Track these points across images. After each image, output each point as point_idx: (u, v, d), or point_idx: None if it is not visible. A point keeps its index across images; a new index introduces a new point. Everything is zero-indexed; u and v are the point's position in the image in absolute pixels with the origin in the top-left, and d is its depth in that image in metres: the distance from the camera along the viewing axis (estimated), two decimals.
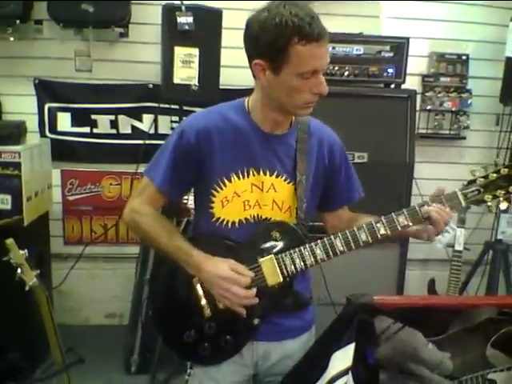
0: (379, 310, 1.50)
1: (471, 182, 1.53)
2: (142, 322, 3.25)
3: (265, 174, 1.61)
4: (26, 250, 2.06)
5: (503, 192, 1.51)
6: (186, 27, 3.02)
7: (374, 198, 3.17)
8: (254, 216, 1.62)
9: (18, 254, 2.03)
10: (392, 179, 3.35)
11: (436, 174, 3.84)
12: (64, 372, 2.23)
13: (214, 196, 1.61)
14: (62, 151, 3.64)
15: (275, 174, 1.62)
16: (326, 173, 1.70)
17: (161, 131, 3.70)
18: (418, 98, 3.65)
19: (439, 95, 3.79)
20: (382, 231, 1.55)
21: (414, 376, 1.54)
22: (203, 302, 1.60)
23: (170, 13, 3.05)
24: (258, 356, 1.66)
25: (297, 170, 1.62)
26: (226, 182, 1.59)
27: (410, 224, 1.55)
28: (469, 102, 3.81)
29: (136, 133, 3.72)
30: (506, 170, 1.50)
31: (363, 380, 1.44)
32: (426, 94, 3.79)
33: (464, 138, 3.90)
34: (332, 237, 1.56)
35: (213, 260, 1.57)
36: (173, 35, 3.07)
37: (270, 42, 1.42)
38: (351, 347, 1.42)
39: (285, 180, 1.63)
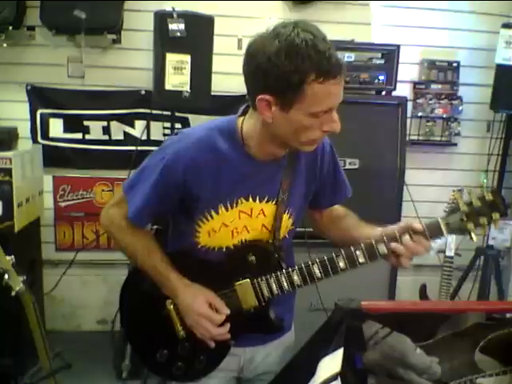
0: (367, 315, 1.51)
1: (454, 210, 1.44)
2: None
3: (254, 200, 1.53)
4: (12, 256, 2.05)
5: (486, 220, 1.41)
6: (178, 34, 3.02)
7: (365, 203, 3.21)
8: (241, 241, 1.57)
9: (5, 260, 2.02)
10: (383, 185, 3.36)
11: (427, 180, 3.87)
12: (51, 377, 2.22)
13: (200, 226, 1.53)
14: (53, 157, 3.64)
15: (265, 199, 1.54)
16: (316, 178, 1.65)
17: (153, 137, 3.71)
18: (409, 104, 3.67)
19: (430, 102, 3.81)
20: (362, 260, 1.47)
21: (403, 381, 1.55)
22: (177, 323, 1.57)
23: (161, 19, 3.05)
24: (244, 360, 1.67)
25: (280, 189, 1.54)
26: (214, 214, 1.51)
27: (386, 253, 1.46)
28: (460, 108, 3.83)
29: (128, 139, 3.71)
30: (491, 196, 1.41)
31: None
32: (417, 100, 3.81)
33: (455, 144, 3.92)
34: (309, 263, 1.49)
35: (191, 289, 1.53)
36: (164, 42, 3.07)
37: (282, 78, 1.26)
38: (340, 352, 1.42)
39: (274, 204, 1.55)
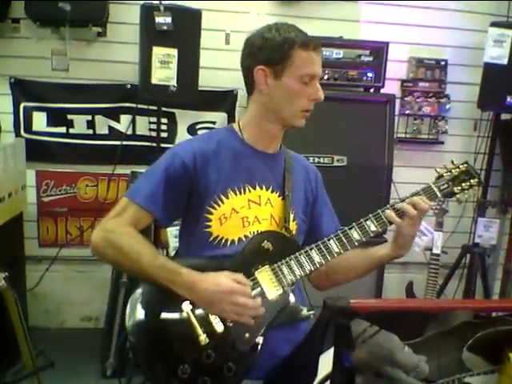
0: (355, 314, 1.49)
1: (439, 177, 1.69)
2: (118, 325, 3.21)
3: (261, 188, 1.62)
4: None
5: (468, 184, 1.69)
6: (165, 27, 2.99)
7: (352, 200, 3.21)
8: (253, 232, 1.59)
9: None
10: (371, 182, 3.36)
11: (414, 178, 3.84)
12: (34, 375, 2.18)
13: (211, 214, 1.57)
14: (37, 151, 3.57)
15: (270, 188, 1.64)
16: (313, 199, 1.76)
17: (138, 132, 3.66)
18: (397, 102, 3.67)
19: (418, 100, 3.82)
20: (373, 228, 1.59)
21: (390, 379, 1.53)
22: (197, 328, 1.43)
23: (148, 12, 3.02)
24: None
25: (285, 186, 1.65)
26: (224, 198, 1.57)
27: (398, 220, 1.59)
28: (447, 107, 3.85)
29: (113, 133, 3.66)
30: (464, 166, 1.71)
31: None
32: (405, 98, 3.82)
33: (442, 142, 3.93)
34: (325, 239, 1.57)
35: (207, 276, 1.45)
36: (151, 35, 3.04)
37: (275, 48, 1.54)
38: (331, 351, 1.40)
39: (278, 196, 1.65)
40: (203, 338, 1.43)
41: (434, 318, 1.62)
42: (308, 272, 1.55)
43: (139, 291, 1.51)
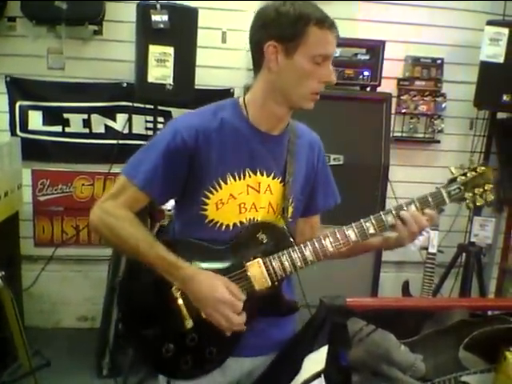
0: (352, 312, 1.49)
1: (452, 181, 1.56)
2: (114, 325, 3.21)
3: (262, 174, 1.56)
4: None
5: (481, 190, 1.56)
6: (161, 25, 2.99)
7: (349, 199, 3.19)
8: (249, 219, 1.56)
9: None
10: (367, 181, 3.36)
11: (411, 177, 3.88)
12: (31, 375, 2.18)
13: (208, 198, 1.52)
14: (32, 150, 3.56)
15: (272, 175, 1.57)
16: (313, 174, 1.69)
17: (135, 131, 3.66)
18: (394, 101, 3.67)
19: (414, 99, 3.82)
20: (372, 231, 1.53)
21: (387, 378, 1.53)
22: (184, 312, 1.49)
23: (144, 11, 3.02)
24: (242, 373, 1.60)
25: (286, 171, 1.59)
26: (222, 183, 1.52)
27: (394, 223, 1.54)
28: (443, 105, 3.85)
29: (109, 132, 3.66)
30: (482, 168, 1.57)
31: (336, 382, 1.42)
32: (401, 97, 3.82)
33: (438, 141, 3.94)
34: (321, 237, 1.52)
35: (206, 276, 1.46)
36: (147, 33, 3.03)
37: (290, 23, 1.44)
38: (324, 349, 1.40)
39: (280, 182, 1.59)
40: (189, 322, 1.49)
41: (430, 317, 1.63)
42: (299, 268, 1.52)
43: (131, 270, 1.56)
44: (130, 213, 1.51)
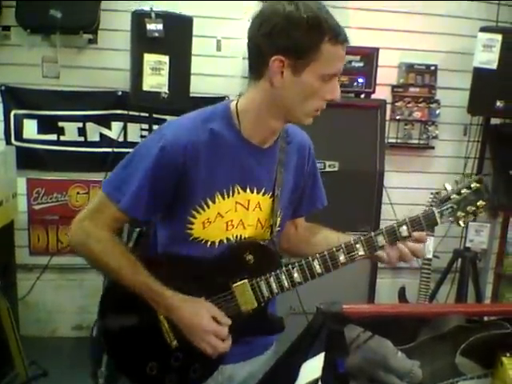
0: (349, 319, 1.49)
1: (445, 200, 1.51)
2: None
3: (252, 191, 1.48)
4: None
5: (473, 208, 1.50)
6: (156, 34, 3.00)
7: (344, 206, 3.22)
8: (236, 236, 1.51)
9: None
10: (362, 188, 3.37)
11: (405, 183, 3.89)
12: None
13: (195, 217, 1.45)
14: (27, 159, 3.56)
15: (262, 191, 1.50)
16: (302, 179, 1.63)
17: (130, 139, 3.66)
18: (388, 107, 3.69)
19: (408, 105, 3.84)
20: (361, 252, 1.47)
21: None
22: (169, 333, 1.48)
23: (139, 19, 3.03)
24: (223, 378, 1.58)
25: (276, 183, 1.52)
26: (210, 202, 1.44)
27: (385, 244, 1.48)
28: (437, 112, 3.87)
29: (104, 140, 3.66)
30: (477, 184, 1.51)
31: None
32: (396, 103, 3.84)
33: (432, 147, 3.95)
34: (309, 258, 1.47)
35: (190, 305, 1.44)
36: (142, 42, 3.04)
37: (302, 37, 1.30)
38: (321, 357, 1.40)
39: (270, 197, 1.52)
40: (174, 343, 1.48)
41: (426, 323, 1.63)
42: (286, 290, 1.48)
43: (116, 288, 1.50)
44: (110, 234, 1.45)
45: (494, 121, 3.76)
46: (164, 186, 1.41)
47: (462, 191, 1.50)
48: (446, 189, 1.52)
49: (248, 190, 1.48)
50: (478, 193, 1.51)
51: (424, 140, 3.92)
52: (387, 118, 3.63)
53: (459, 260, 3.65)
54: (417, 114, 3.85)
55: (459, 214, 1.50)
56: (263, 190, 1.51)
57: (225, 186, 1.45)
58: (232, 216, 1.48)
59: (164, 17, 3.05)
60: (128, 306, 1.50)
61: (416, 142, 3.92)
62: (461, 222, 1.51)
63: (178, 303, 1.44)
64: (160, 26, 3.01)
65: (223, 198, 1.45)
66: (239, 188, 1.47)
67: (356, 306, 1.55)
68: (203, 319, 1.43)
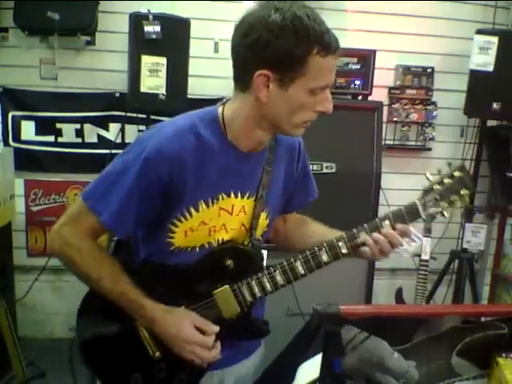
0: (345, 320, 1.50)
1: (428, 191, 1.46)
2: None
3: (236, 196, 1.44)
4: None
5: (456, 197, 1.45)
6: (153, 36, 3.00)
7: (342, 207, 3.22)
8: (217, 240, 1.46)
9: None
10: (360, 189, 3.37)
11: (402, 185, 3.89)
12: None
13: (177, 226, 1.40)
14: (25, 160, 3.56)
15: (246, 195, 1.46)
16: (294, 178, 1.60)
17: (128, 140, 3.66)
18: (385, 109, 3.69)
19: (405, 107, 3.85)
20: (344, 250, 1.43)
21: None
22: (151, 345, 1.44)
23: (137, 21, 3.03)
24: None
25: (260, 185, 1.47)
26: (193, 211, 1.39)
27: (368, 240, 1.43)
28: (434, 114, 3.88)
29: (102, 142, 3.66)
30: (460, 173, 1.45)
31: None
32: (393, 105, 3.85)
33: (429, 149, 3.96)
34: (291, 259, 1.43)
35: (172, 316, 1.40)
36: (140, 44, 3.05)
37: (286, 50, 1.21)
38: (318, 357, 1.41)
39: (254, 200, 1.48)
40: (157, 354, 1.45)
41: (422, 324, 1.64)
42: (269, 293, 1.44)
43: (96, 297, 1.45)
44: (91, 243, 1.40)
45: (491, 122, 3.78)
46: (150, 199, 1.36)
47: (445, 181, 1.45)
48: (428, 179, 1.48)
49: (232, 195, 1.44)
50: (461, 181, 1.45)
51: (421, 142, 3.93)
52: (384, 119, 3.63)
53: (456, 261, 3.67)
54: (414, 116, 3.86)
55: (442, 204, 1.45)
56: (247, 194, 1.46)
57: (210, 194, 1.41)
58: (215, 222, 1.44)
59: (161, 19, 3.05)
60: (106, 316, 1.46)
61: (413, 143, 3.94)
62: (445, 213, 1.46)
63: (160, 315, 1.40)
64: (157, 28, 3.01)
65: (207, 207, 1.41)
66: (224, 194, 1.42)
67: (353, 306, 1.56)
68: (186, 330, 1.39)
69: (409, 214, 1.45)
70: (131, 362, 1.46)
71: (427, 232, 3.36)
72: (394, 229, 1.44)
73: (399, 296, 3.48)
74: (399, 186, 3.87)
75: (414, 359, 1.56)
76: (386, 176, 3.58)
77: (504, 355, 1.52)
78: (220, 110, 1.42)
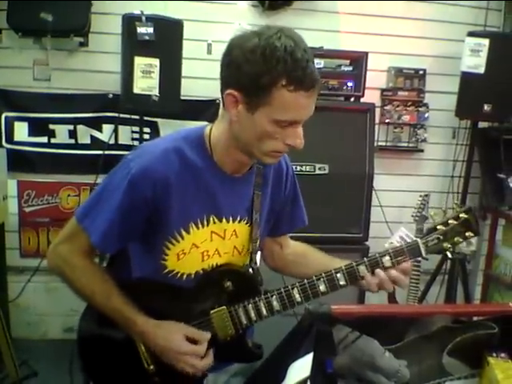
0: (337, 320, 1.51)
1: (431, 231, 1.47)
2: None
3: (227, 221, 1.46)
4: None
5: (460, 239, 1.46)
6: (146, 37, 3.00)
7: (335, 208, 3.24)
8: (212, 265, 1.49)
9: None
10: (353, 190, 3.39)
11: (395, 186, 3.92)
12: None
13: (169, 249, 1.42)
14: (18, 161, 3.55)
15: (238, 219, 1.48)
16: (280, 200, 1.61)
17: (121, 141, 3.66)
18: (377, 111, 3.72)
19: (397, 109, 3.87)
20: (342, 282, 1.46)
21: None
22: (147, 359, 1.46)
23: (130, 23, 3.03)
24: None
25: (253, 208, 1.49)
26: (184, 233, 1.41)
27: (366, 274, 1.46)
28: (426, 115, 3.90)
29: (95, 143, 3.65)
30: (465, 215, 1.45)
31: None
32: (385, 107, 3.87)
33: (421, 150, 3.98)
34: (289, 287, 1.45)
35: (162, 330, 1.41)
36: (133, 45, 3.04)
37: (252, 76, 1.21)
38: (309, 357, 1.41)
39: (246, 223, 1.50)
40: (151, 367, 1.47)
41: (414, 323, 1.65)
42: (264, 318, 1.47)
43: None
44: (85, 261, 1.45)
45: (482, 124, 3.80)
46: (135, 220, 1.38)
47: (450, 222, 1.46)
48: (432, 218, 1.50)
49: (224, 220, 1.45)
50: (466, 224, 1.45)
51: (413, 143, 3.95)
52: (376, 121, 3.65)
53: (448, 261, 3.68)
54: (406, 118, 3.88)
55: (445, 245, 1.45)
56: (238, 218, 1.48)
57: (199, 216, 1.42)
58: (208, 246, 1.46)
59: (154, 20, 3.05)
60: (108, 326, 1.47)
61: (405, 145, 3.96)
62: (448, 253, 1.48)
63: (151, 329, 1.42)
64: (151, 30, 3.01)
65: (197, 229, 1.42)
66: (214, 218, 1.44)
67: (345, 306, 1.57)
68: (176, 342, 1.41)
69: (410, 251, 1.45)
70: (127, 374, 1.49)
71: (419, 233, 3.38)
72: (394, 265, 1.45)
73: (392, 296, 3.48)
74: (392, 187, 3.90)
75: (405, 358, 1.57)
76: (378, 177, 3.60)
77: (495, 355, 1.52)
78: (208, 129, 1.43)
